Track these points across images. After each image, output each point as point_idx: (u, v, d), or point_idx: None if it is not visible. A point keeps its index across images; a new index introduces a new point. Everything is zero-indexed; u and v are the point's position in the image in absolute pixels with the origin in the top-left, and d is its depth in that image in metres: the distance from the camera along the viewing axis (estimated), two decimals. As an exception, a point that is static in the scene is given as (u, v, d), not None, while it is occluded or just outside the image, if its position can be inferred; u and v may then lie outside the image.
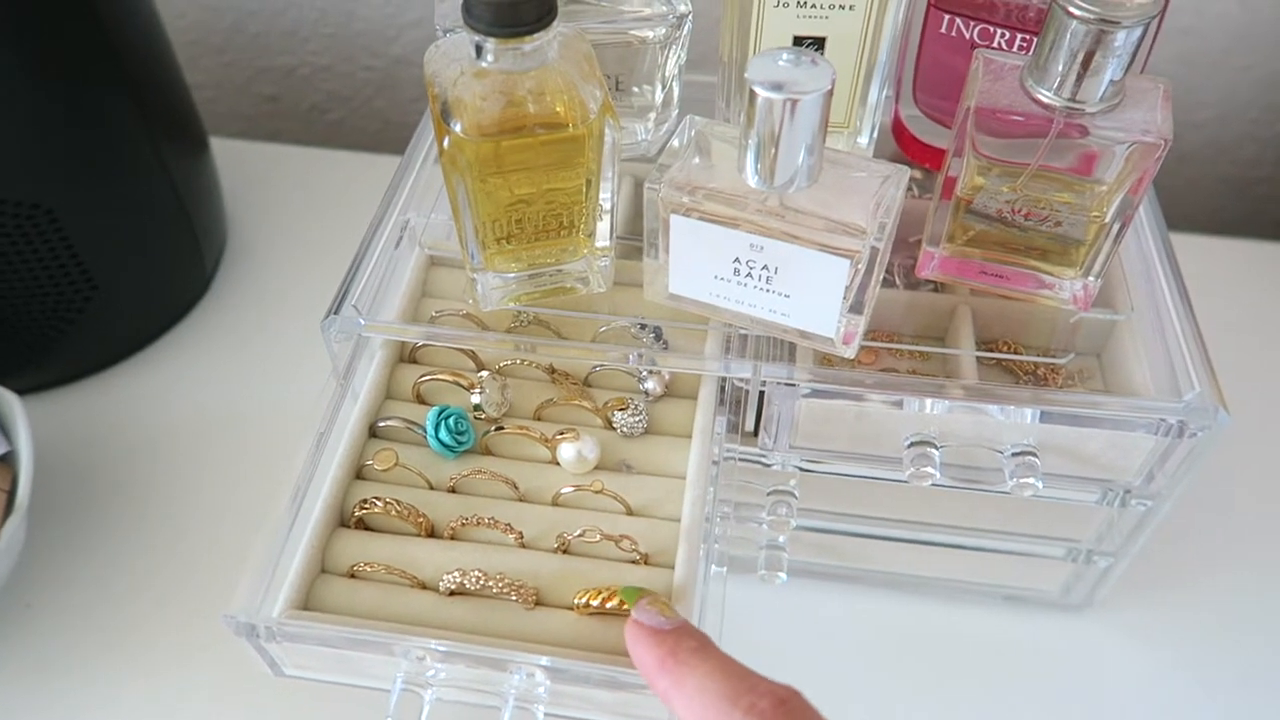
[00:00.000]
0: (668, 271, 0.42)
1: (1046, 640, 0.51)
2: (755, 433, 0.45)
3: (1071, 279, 0.43)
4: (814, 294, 0.40)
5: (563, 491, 0.41)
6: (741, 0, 0.43)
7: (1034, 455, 0.42)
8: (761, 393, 0.43)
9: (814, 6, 0.42)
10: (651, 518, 0.41)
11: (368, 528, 0.41)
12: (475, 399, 0.43)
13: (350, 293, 0.44)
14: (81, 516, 0.56)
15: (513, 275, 0.43)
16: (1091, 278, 0.43)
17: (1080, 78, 0.37)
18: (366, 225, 0.47)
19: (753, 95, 0.35)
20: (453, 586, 0.38)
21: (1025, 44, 0.44)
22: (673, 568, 0.39)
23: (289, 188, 0.76)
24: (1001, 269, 0.44)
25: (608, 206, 0.42)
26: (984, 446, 0.43)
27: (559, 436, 0.42)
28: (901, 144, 0.51)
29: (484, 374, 0.44)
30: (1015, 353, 0.47)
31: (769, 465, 0.46)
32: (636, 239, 0.43)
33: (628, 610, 0.35)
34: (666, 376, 0.45)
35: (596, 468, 0.42)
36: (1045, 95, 0.38)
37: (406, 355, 0.47)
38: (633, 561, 0.39)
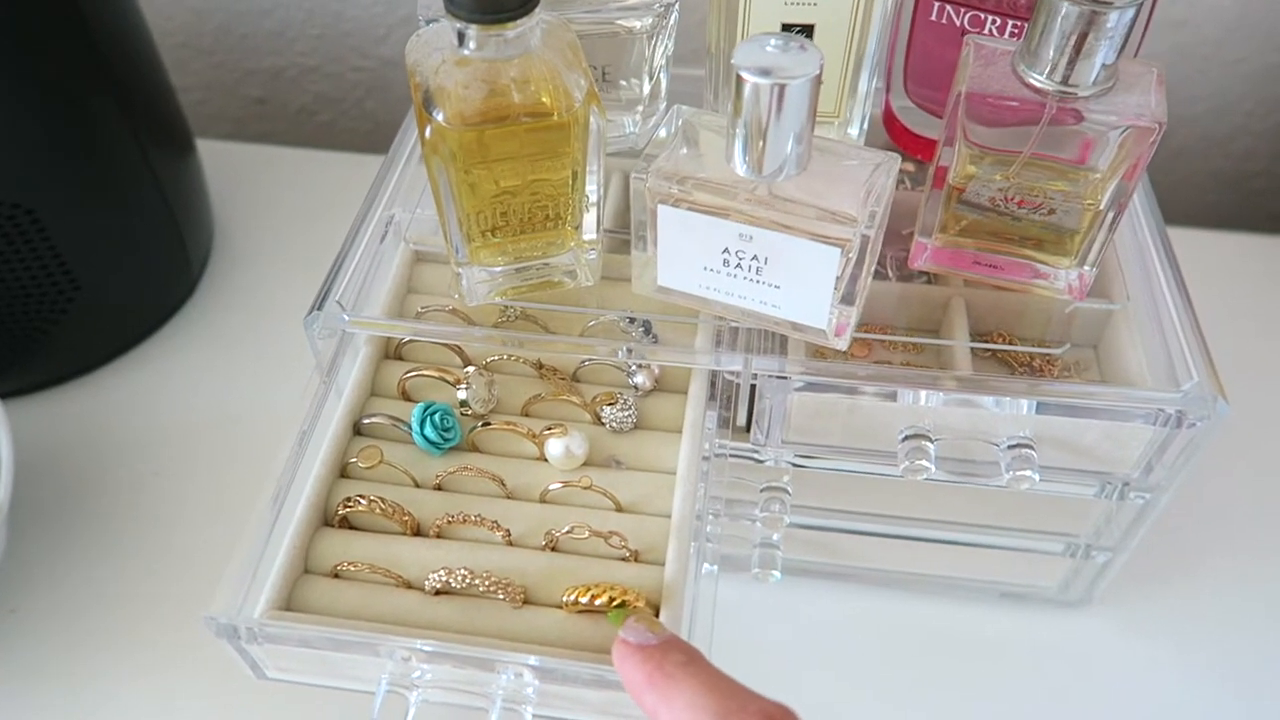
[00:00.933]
0: (656, 264, 0.41)
1: (1045, 637, 0.51)
2: (747, 428, 0.45)
3: (1067, 268, 0.43)
4: (805, 284, 0.39)
5: (551, 488, 0.40)
6: (729, -12, 0.42)
7: (1030, 448, 0.42)
8: (753, 387, 0.43)
9: (802, -6, 0.42)
10: (641, 514, 0.40)
11: (352, 526, 0.40)
12: (461, 395, 0.42)
13: (334, 288, 0.43)
14: (68, 520, 0.55)
15: (499, 269, 0.43)
16: (1087, 267, 0.42)
17: (1073, 61, 0.36)
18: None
19: (740, 81, 0.35)
20: (438, 585, 0.37)
21: (1016, 30, 0.43)
22: (663, 565, 0.38)
23: (277, 189, 0.75)
24: (996, 259, 0.43)
25: (594, 198, 0.41)
26: (979, 439, 0.42)
27: (547, 432, 0.41)
28: (893, 135, 0.51)
29: (470, 370, 0.43)
30: (1010, 344, 0.46)
31: (761, 461, 0.46)
32: (625, 233, 0.43)
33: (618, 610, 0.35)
34: (656, 371, 0.44)
35: (585, 464, 0.42)
36: (1037, 80, 0.37)
37: (392, 352, 0.46)
38: (622, 559, 0.39)
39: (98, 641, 0.50)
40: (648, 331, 0.44)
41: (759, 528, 0.48)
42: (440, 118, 0.36)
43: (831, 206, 0.37)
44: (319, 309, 0.42)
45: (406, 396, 0.44)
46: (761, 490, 0.47)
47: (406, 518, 0.39)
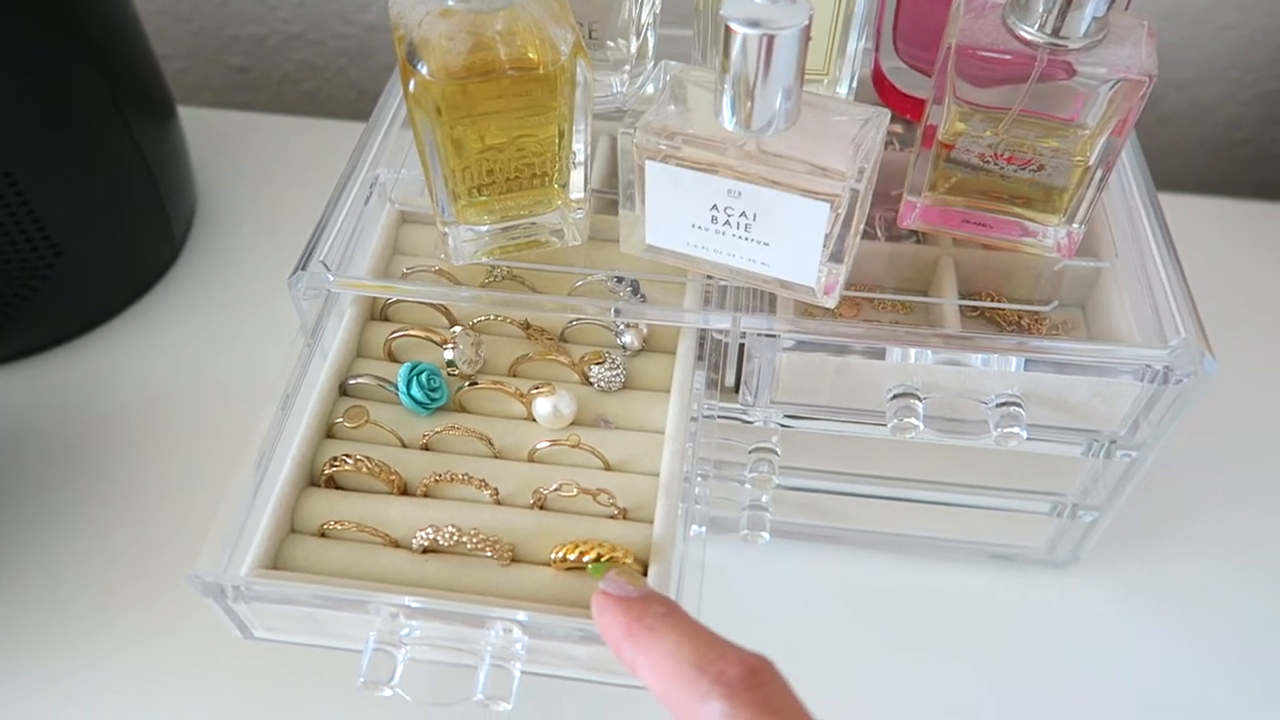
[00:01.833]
0: (644, 223, 0.41)
1: (1033, 597, 0.51)
2: (736, 389, 0.44)
3: (1055, 226, 0.42)
4: (794, 241, 0.39)
5: (539, 447, 0.40)
6: (716, -57, 0.42)
7: (1018, 405, 0.42)
8: (741, 346, 0.42)
9: (791, -52, 0.41)
10: (630, 473, 0.40)
11: (338, 486, 0.40)
12: (448, 355, 0.42)
13: (318, 248, 0.43)
14: (50, 489, 0.55)
15: (485, 228, 0.42)
16: (1075, 224, 0.42)
17: (1063, 12, 0.36)
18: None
19: (729, 33, 0.34)
20: (426, 543, 0.37)
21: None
22: (651, 523, 0.38)
23: (260, 156, 0.74)
24: (985, 217, 0.43)
25: (581, 156, 0.41)
26: (968, 398, 0.42)
27: (534, 392, 0.41)
28: (882, 95, 0.50)
29: (457, 330, 0.43)
30: (998, 303, 0.46)
31: (750, 422, 0.46)
32: (612, 193, 0.42)
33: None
34: (644, 330, 0.44)
35: (573, 424, 0.42)
36: (1028, 32, 0.37)
37: (378, 313, 0.45)
38: (610, 516, 0.39)
39: (81, 608, 0.50)
40: (635, 291, 0.44)
41: (747, 489, 0.48)
42: (424, 70, 0.36)
43: (821, 162, 0.37)
44: (303, 269, 0.42)
45: (392, 357, 0.44)
46: (750, 451, 0.47)
47: (394, 477, 0.39)
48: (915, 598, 0.51)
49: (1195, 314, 0.41)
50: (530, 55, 0.37)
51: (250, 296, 0.64)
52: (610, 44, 0.47)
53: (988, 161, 0.41)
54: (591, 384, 0.43)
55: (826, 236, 0.38)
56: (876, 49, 0.50)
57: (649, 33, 0.47)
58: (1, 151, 0.52)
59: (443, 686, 0.36)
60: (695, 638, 0.30)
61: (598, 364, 0.42)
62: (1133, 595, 0.51)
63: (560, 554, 0.36)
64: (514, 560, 0.37)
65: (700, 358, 0.43)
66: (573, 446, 0.40)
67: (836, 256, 0.39)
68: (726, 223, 0.39)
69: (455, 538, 0.37)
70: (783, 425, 0.45)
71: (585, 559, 0.36)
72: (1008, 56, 0.38)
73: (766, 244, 0.39)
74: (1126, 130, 0.39)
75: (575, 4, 0.41)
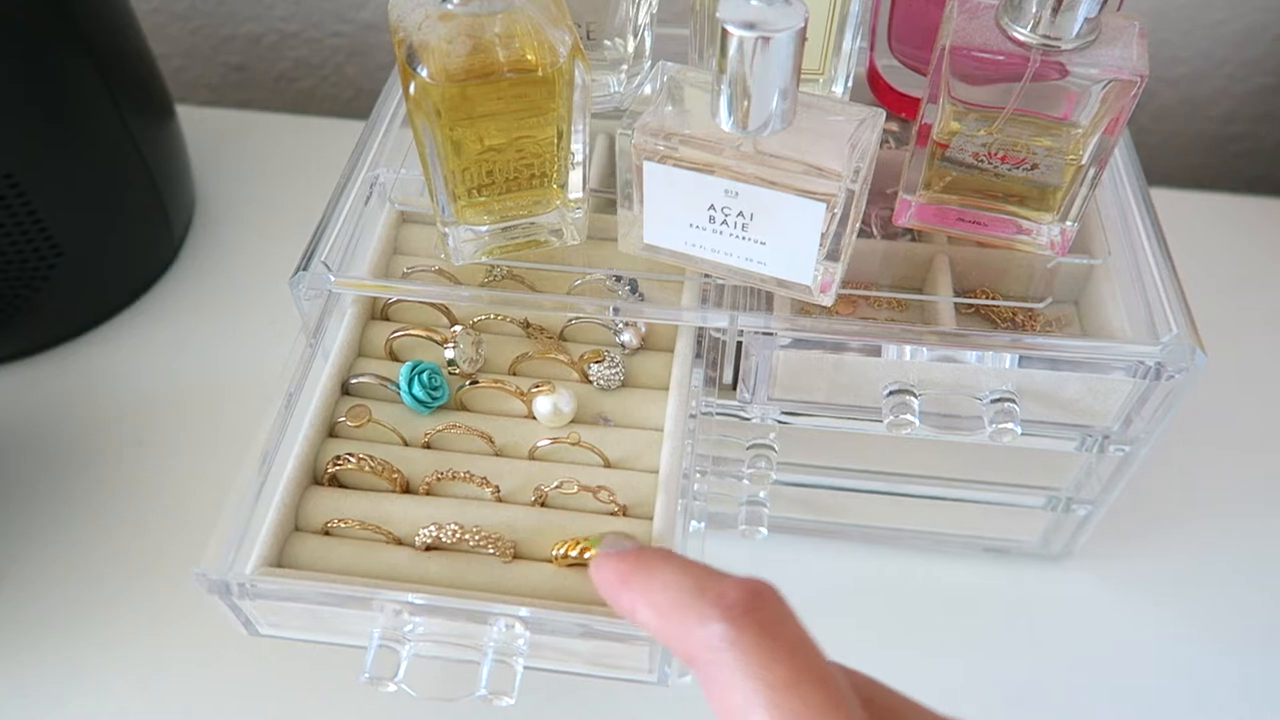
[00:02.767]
0: (642, 222, 0.41)
1: (1027, 591, 0.52)
2: (734, 386, 0.45)
3: (1049, 223, 0.43)
4: (790, 240, 0.39)
5: (539, 445, 0.40)
6: (713, -56, 0.42)
7: (1013, 401, 0.42)
8: (739, 344, 0.43)
9: (786, -51, 0.42)
10: (629, 470, 0.41)
11: (341, 485, 0.40)
12: (449, 354, 0.42)
13: (319, 249, 0.43)
14: (52, 488, 0.55)
15: (485, 228, 0.43)
16: (1069, 222, 0.43)
17: (1055, 13, 0.36)
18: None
19: (725, 35, 0.35)
20: (429, 541, 0.37)
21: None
22: (651, 519, 0.38)
23: (259, 155, 0.74)
24: (979, 215, 0.44)
25: (580, 156, 0.41)
26: (963, 394, 0.43)
27: (534, 390, 0.41)
28: (877, 94, 0.51)
29: (457, 329, 0.43)
30: (993, 300, 0.47)
31: (748, 418, 0.46)
32: (611, 193, 0.43)
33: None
34: (643, 329, 0.44)
35: (573, 422, 0.42)
36: (1021, 33, 0.37)
37: (378, 312, 0.46)
38: (611, 513, 0.39)
39: (84, 607, 0.50)
40: (634, 290, 0.44)
41: (746, 485, 0.48)
42: (424, 73, 0.36)
43: (817, 162, 0.37)
44: (304, 269, 0.42)
45: (394, 356, 0.44)
46: (748, 448, 0.47)
47: (396, 475, 0.40)
48: (911, 591, 0.52)
49: (1187, 310, 0.41)
50: (529, 57, 0.37)
51: (249, 295, 0.65)
52: (607, 43, 0.47)
53: (982, 160, 0.42)
54: (591, 382, 0.43)
55: (823, 235, 0.38)
56: (871, 47, 0.50)
57: (646, 32, 0.48)
58: (4, 154, 0.52)
59: (446, 682, 0.37)
60: (693, 569, 0.29)
61: (597, 362, 0.43)
62: (1126, 588, 0.52)
63: (561, 550, 0.37)
64: (516, 557, 0.38)
65: (698, 356, 0.43)
66: (573, 444, 0.40)
67: (833, 255, 0.40)
68: (724, 222, 0.40)
69: (457, 535, 0.37)
70: (780, 422, 0.46)
71: (587, 555, 0.36)
72: (1001, 57, 0.38)
73: (763, 243, 0.40)
74: (1119, 129, 0.39)
75: (572, 3, 0.41)
